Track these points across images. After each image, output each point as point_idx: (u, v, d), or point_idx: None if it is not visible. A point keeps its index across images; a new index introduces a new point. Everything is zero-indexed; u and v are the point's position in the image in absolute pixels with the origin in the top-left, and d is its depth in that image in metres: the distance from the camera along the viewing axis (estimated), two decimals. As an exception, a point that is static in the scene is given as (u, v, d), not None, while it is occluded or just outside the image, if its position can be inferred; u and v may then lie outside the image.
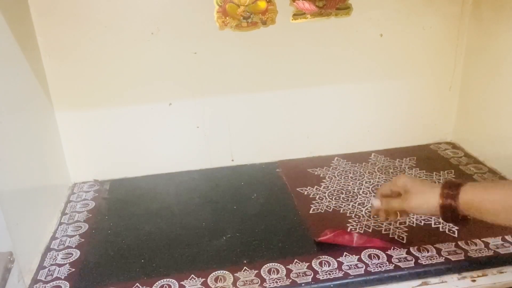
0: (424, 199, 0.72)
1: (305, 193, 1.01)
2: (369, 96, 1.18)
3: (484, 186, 0.70)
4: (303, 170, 1.13)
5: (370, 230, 0.86)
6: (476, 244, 0.80)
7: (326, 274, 0.74)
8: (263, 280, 0.74)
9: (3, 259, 0.68)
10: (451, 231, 0.84)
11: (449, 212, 0.68)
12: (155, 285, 0.74)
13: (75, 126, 1.07)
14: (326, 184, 1.05)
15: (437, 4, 1.11)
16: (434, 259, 0.76)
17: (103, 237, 0.89)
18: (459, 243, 0.80)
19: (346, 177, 1.08)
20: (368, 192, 1.01)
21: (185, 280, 0.75)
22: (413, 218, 0.89)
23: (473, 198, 0.67)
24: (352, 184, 1.05)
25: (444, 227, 0.85)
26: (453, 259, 0.76)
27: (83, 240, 0.88)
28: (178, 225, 0.91)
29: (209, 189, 1.06)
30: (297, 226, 0.89)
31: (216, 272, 0.76)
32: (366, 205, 0.95)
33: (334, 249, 0.80)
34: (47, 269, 0.79)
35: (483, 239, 0.81)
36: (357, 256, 0.78)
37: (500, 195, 0.64)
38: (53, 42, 0.98)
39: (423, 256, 0.77)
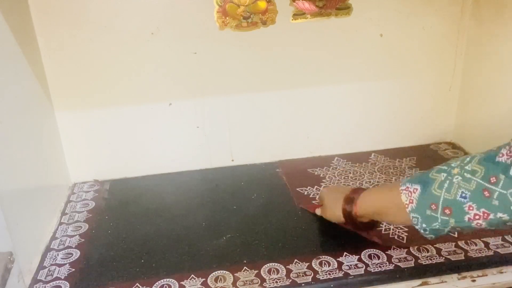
0: (332, 210, 0.80)
1: (305, 193, 1.01)
2: (369, 96, 1.18)
3: (376, 189, 0.74)
4: (303, 170, 1.13)
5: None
6: (476, 244, 0.80)
7: (326, 274, 0.74)
8: (263, 280, 0.74)
9: (3, 259, 0.68)
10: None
11: (348, 218, 0.76)
12: (155, 285, 0.74)
13: (75, 126, 1.07)
14: (326, 184, 1.05)
15: (437, 4, 1.11)
16: (434, 259, 0.76)
17: (103, 237, 0.89)
18: (459, 243, 0.80)
19: (346, 177, 1.08)
20: (368, 192, 1.01)
21: (185, 280, 0.75)
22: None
23: (367, 201, 0.73)
24: (352, 184, 1.05)
25: (444, 227, 0.85)
26: (453, 259, 0.76)
27: (83, 240, 0.88)
28: (178, 225, 0.91)
29: (209, 189, 1.06)
30: (297, 226, 0.89)
31: (216, 272, 0.76)
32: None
33: (334, 249, 0.80)
34: (47, 269, 0.79)
35: (483, 239, 0.81)
36: (357, 256, 0.78)
37: (387, 195, 0.68)
38: (53, 42, 0.98)
39: (423, 256, 0.77)
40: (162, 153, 1.13)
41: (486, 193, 0.55)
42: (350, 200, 0.76)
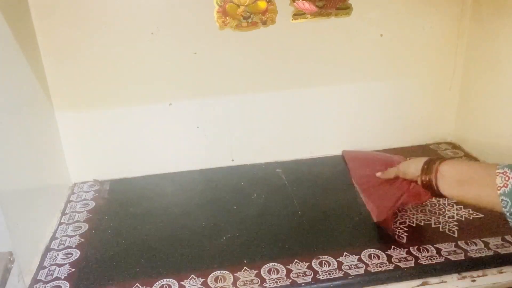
0: (409, 163, 0.84)
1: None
2: (369, 96, 1.18)
3: (467, 161, 0.78)
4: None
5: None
6: (476, 244, 0.80)
7: (326, 274, 0.74)
8: (263, 280, 0.74)
9: (3, 259, 0.68)
10: (451, 231, 0.84)
11: (429, 187, 0.77)
12: (155, 285, 0.74)
13: (75, 126, 1.07)
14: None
15: (437, 4, 1.11)
16: (434, 259, 0.76)
17: (103, 237, 0.89)
18: (459, 243, 0.80)
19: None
20: (368, 192, 1.01)
21: (185, 280, 0.75)
22: (413, 218, 0.89)
23: (455, 164, 0.74)
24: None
25: (444, 227, 0.86)
26: (453, 259, 0.76)
27: (83, 240, 0.88)
28: (178, 225, 0.91)
29: (209, 189, 1.06)
30: (297, 226, 0.89)
31: (216, 272, 0.76)
32: (366, 205, 0.95)
33: (334, 249, 0.80)
34: (47, 269, 0.79)
35: (483, 239, 0.81)
36: (357, 256, 0.78)
37: (480, 169, 0.70)
38: (53, 42, 0.98)
39: (423, 256, 0.77)
40: (162, 153, 1.13)
41: None
42: (433, 161, 0.78)
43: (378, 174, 0.94)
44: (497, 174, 0.64)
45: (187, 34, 1.03)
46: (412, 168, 0.82)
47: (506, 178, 0.63)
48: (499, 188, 0.63)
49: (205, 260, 0.80)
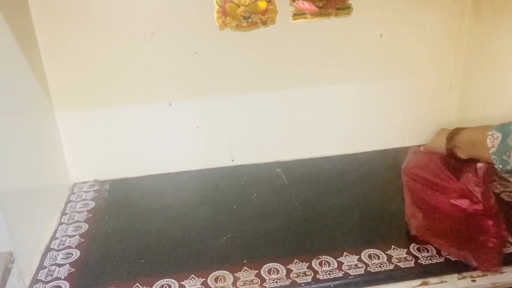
0: (433, 141, 1.02)
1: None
2: (369, 96, 1.18)
3: (473, 128, 0.90)
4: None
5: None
6: (476, 244, 0.80)
7: (326, 274, 0.74)
8: (263, 280, 0.74)
9: (3, 259, 0.68)
10: (451, 231, 0.84)
11: (450, 153, 0.94)
12: (155, 285, 0.74)
13: (75, 126, 1.07)
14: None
15: (437, 4, 1.11)
16: (434, 259, 0.76)
17: (103, 237, 0.89)
18: (459, 243, 0.80)
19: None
20: (368, 192, 1.01)
21: (185, 280, 0.75)
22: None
23: (465, 133, 0.92)
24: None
25: (444, 227, 0.85)
26: (453, 259, 0.76)
27: (83, 240, 0.88)
28: (178, 225, 0.91)
29: (209, 189, 1.06)
30: (297, 226, 0.89)
31: (216, 272, 0.76)
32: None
33: (334, 249, 0.80)
34: (47, 269, 0.79)
35: (483, 239, 0.81)
36: (357, 256, 0.78)
37: (480, 134, 0.84)
38: (53, 42, 0.98)
39: (423, 256, 0.77)
40: (162, 153, 1.13)
41: None
42: (453, 132, 0.96)
43: (422, 148, 1.08)
44: (487, 136, 0.79)
45: (187, 34, 1.03)
46: (437, 144, 0.99)
47: (493, 139, 0.78)
48: (489, 148, 0.78)
49: (205, 260, 0.80)
